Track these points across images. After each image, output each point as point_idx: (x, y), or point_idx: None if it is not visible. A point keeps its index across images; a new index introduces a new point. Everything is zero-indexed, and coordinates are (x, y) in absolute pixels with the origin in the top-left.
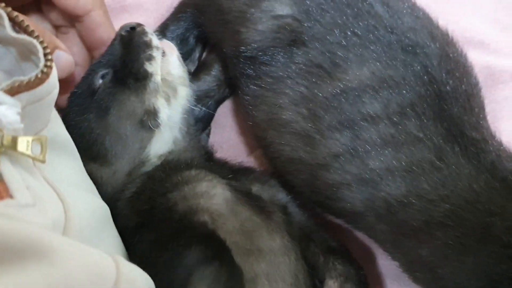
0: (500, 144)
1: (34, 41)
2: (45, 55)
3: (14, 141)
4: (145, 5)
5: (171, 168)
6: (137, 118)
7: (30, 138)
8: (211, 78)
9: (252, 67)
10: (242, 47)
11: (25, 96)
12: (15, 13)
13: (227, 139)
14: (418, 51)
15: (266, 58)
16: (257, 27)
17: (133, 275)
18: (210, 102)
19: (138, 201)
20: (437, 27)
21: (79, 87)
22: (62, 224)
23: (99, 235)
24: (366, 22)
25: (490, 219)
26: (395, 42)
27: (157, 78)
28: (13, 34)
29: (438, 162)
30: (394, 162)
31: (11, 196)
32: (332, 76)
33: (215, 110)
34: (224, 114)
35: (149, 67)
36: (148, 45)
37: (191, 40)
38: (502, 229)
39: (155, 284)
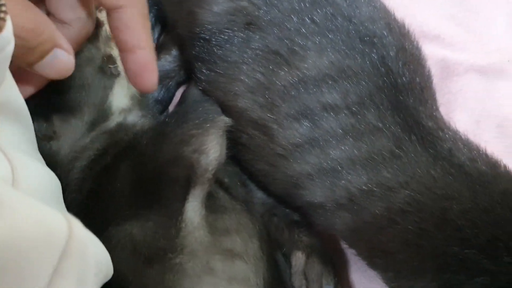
0: (456, 132)
1: None
2: None
3: None
4: None
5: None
6: (96, 64)
7: None
8: (172, 58)
9: (206, 50)
10: (197, 28)
11: None
12: None
13: None
14: (375, 41)
15: (221, 40)
16: (213, 8)
17: (85, 239)
18: (170, 83)
19: (100, 160)
20: (394, 19)
21: None
22: (9, 183)
23: (48, 203)
24: (324, 10)
25: (446, 204)
26: (353, 31)
27: (108, 27)
28: None
29: (397, 151)
30: (355, 151)
31: None
32: (290, 64)
33: (174, 92)
34: None
35: (100, 16)
36: None
37: (150, 19)
38: (457, 213)
39: None
